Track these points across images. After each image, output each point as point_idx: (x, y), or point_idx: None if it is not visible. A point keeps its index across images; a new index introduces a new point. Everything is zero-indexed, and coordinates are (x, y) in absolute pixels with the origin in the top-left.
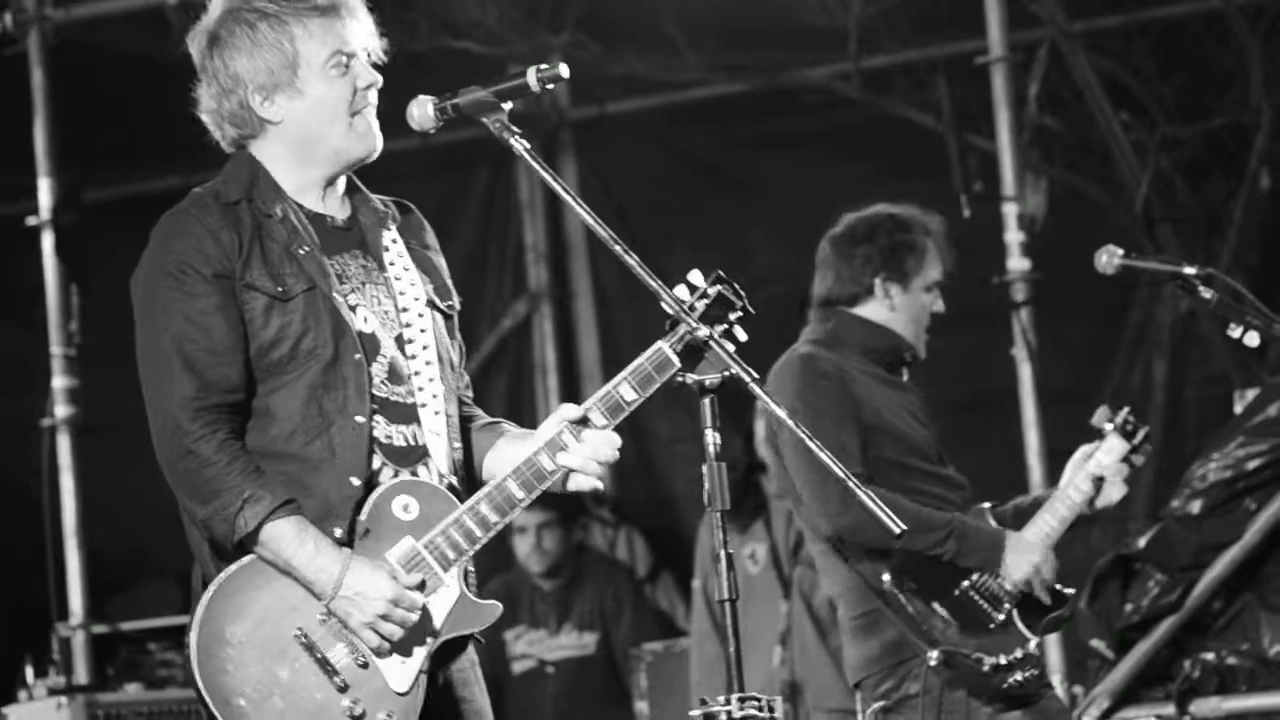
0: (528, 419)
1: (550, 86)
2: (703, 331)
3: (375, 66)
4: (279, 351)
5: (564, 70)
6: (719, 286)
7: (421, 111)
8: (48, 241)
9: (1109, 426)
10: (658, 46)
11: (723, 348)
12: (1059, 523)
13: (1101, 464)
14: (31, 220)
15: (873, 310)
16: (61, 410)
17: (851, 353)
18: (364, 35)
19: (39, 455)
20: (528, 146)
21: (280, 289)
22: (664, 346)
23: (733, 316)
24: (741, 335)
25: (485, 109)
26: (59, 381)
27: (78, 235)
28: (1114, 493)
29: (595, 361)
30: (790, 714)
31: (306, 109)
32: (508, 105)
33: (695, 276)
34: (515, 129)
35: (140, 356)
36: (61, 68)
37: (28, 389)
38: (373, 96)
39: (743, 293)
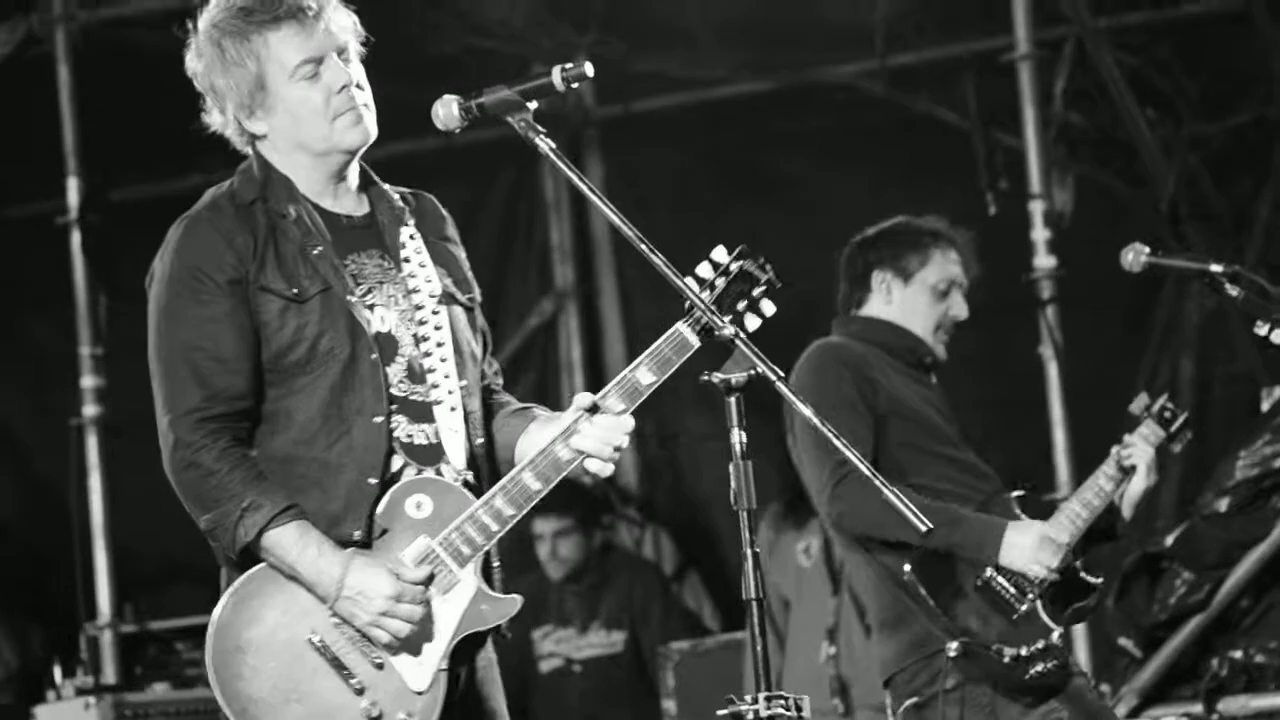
0: None
1: (575, 85)
2: (729, 330)
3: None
4: (296, 353)
5: (589, 69)
6: (742, 261)
7: (446, 111)
8: (75, 240)
9: (1145, 414)
10: (683, 45)
11: (749, 346)
12: (1088, 511)
13: (1132, 451)
14: (59, 220)
15: (875, 308)
16: (89, 409)
17: (875, 349)
18: (335, 36)
19: (67, 454)
20: (553, 145)
21: (295, 290)
22: (682, 328)
23: (757, 291)
24: (768, 309)
25: (510, 108)
26: (87, 381)
27: (104, 234)
28: (1139, 483)
29: (621, 359)
30: (840, 709)
31: (283, 121)
32: (533, 104)
33: (719, 253)
34: (540, 128)
35: (150, 361)
36: (88, 68)
37: (55, 388)
38: (354, 94)
39: (768, 265)
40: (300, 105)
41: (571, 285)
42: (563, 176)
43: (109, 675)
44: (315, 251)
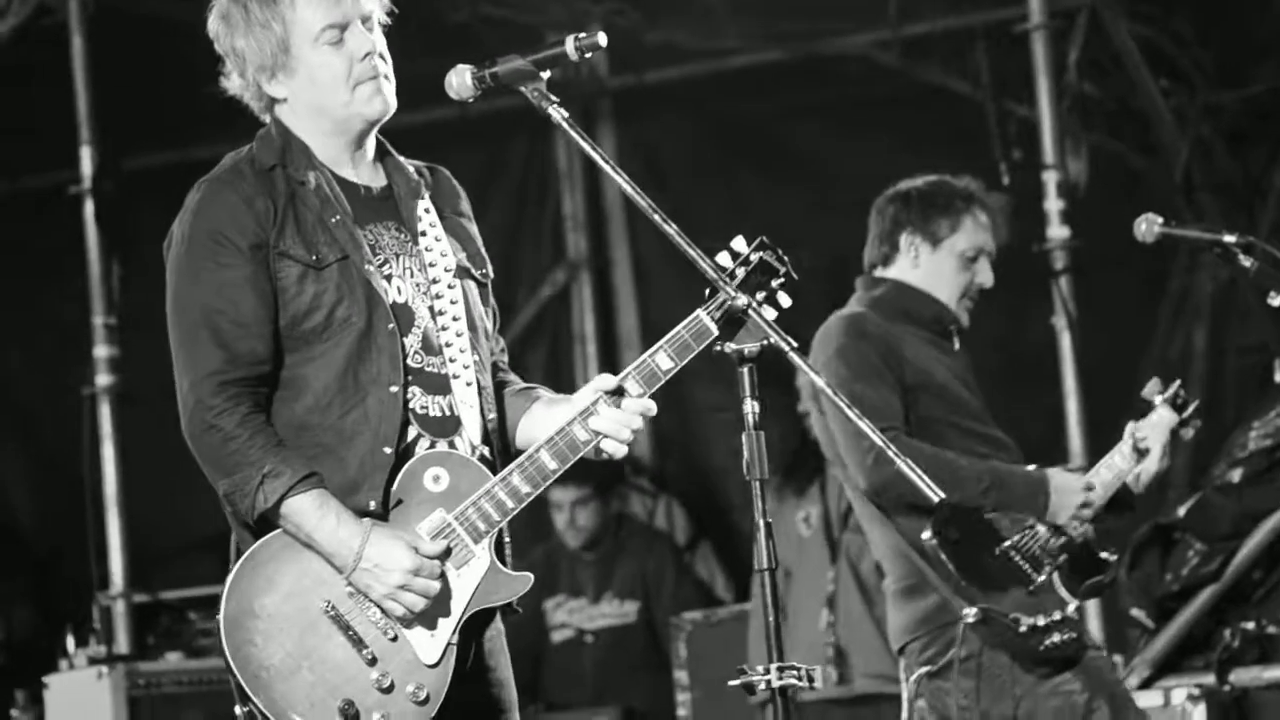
0: (566, 387)
1: (588, 55)
2: (741, 300)
3: (387, 26)
4: (313, 320)
5: (602, 39)
6: (761, 252)
7: (460, 81)
8: (88, 210)
9: (1159, 399)
10: (697, 15)
11: (761, 316)
12: (1104, 489)
13: (1147, 434)
14: (72, 189)
15: (902, 269)
16: (103, 379)
17: (898, 318)
18: (360, 3)
19: (80, 424)
20: (566, 115)
21: (314, 257)
22: (702, 315)
23: (775, 283)
24: (785, 301)
25: (524, 78)
26: (100, 350)
27: (117, 203)
28: (1152, 465)
29: (634, 330)
30: (836, 677)
31: (305, 86)
32: (546, 74)
33: (738, 243)
34: (554, 97)
35: (169, 324)
36: (101, 35)
37: (69, 358)
38: (377, 63)
39: (786, 258)
40: (322, 70)
41: (584, 255)
42: (576, 146)
43: (121, 645)
44: (333, 220)
